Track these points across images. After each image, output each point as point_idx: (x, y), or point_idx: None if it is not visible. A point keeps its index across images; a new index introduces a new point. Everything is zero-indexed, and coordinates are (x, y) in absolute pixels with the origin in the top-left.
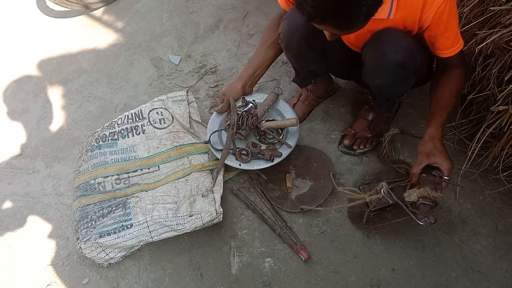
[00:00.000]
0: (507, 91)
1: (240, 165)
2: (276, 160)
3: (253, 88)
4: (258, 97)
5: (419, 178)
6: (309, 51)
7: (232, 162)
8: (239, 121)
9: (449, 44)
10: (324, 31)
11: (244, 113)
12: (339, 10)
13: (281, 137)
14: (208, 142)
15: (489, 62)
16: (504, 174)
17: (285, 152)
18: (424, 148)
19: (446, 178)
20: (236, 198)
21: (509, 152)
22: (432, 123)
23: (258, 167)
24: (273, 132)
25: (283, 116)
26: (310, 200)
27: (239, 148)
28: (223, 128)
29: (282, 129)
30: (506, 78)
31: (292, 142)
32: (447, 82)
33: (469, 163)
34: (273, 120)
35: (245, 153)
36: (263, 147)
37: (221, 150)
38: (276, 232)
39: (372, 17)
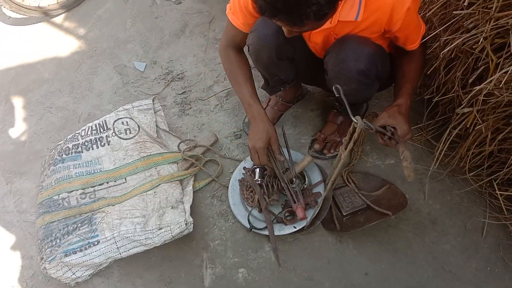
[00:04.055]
0: (472, 94)
1: (295, 227)
2: (320, 200)
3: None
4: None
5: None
6: (279, 60)
7: (285, 230)
8: (265, 190)
9: (417, 36)
10: (282, 27)
11: (262, 180)
12: (287, 7)
13: (306, 179)
14: (252, 228)
15: (453, 65)
16: (471, 174)
17: (319, 189)
18: (388, 110)
19: (397, 137)
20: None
21: (475, 152)
22: (400, 94)
23: (311, 217)
24: (298, 179)
25: (288, 160)
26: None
27: (280, 213)
28: (253, 206)
29: (301, 173)
30: (470, 81)
31: (319, 177)
32: (410, 60)
33: (437, 163)
34: (289, 169)
35: (290, 215)
36: (301, 198)
37: (265, 228)
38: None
39: (340, 20)
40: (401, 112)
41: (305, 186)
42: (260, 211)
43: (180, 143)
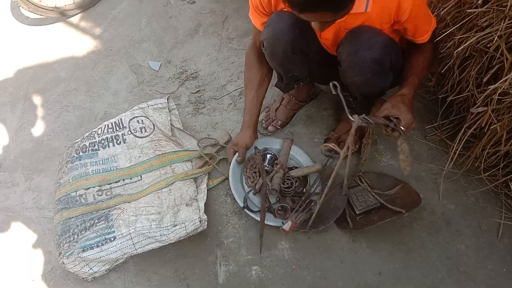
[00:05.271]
0: (486, 93)
1: (283, 223)
2: (314, 209)
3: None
4: (268, 143)
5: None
6: (294, 55)
7: (273, 221)
8: (269, 177)
9: (426, 29)
10: (313, 23)
11: (269, 167)
12: None
13: (307, 185)
14: (245, 207)
15: (467, 64)
16: (486, 174)
17: (315, 198)
18: (391, 100)
19: (401, 128)
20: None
21: (490, 152)
22: (405, 85)
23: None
24: (300, 181)
25: (297, 161)
26: (319, 219)
27: (274, 204)
28: (252, 190)
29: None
30: (484, 80)
31: (319, 186)
32: (419, 53)
33: (451, 163)
34: (298, 168)
35: (282, 209)
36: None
37: (257, 211)
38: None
39: (350, 12)
40: (404, 102)
41: (304, 190)
42: (255, 193)
43: (200, 139)
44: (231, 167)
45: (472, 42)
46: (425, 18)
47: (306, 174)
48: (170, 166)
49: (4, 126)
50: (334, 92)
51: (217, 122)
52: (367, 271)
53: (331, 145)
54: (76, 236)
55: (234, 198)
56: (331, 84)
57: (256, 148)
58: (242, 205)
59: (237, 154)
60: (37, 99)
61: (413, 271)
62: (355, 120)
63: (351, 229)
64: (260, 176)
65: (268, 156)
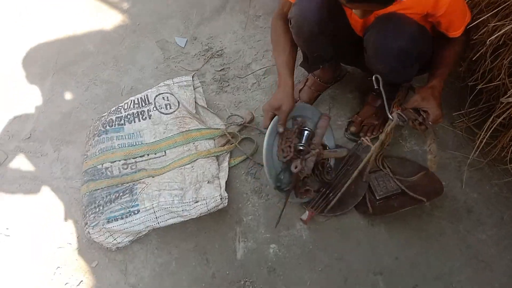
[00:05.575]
0: None
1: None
2: (333, 197)
3: None
4: (305, 110)
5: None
6: (320, 35)
7: (294, 199)
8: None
9: (460, 24)
10: (354, 10)
11: (305, 147)
12: None
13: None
14: (277, 187)
15: (500, 52)
16: None
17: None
18: (421, 92)
19: (429, 122)
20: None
21: None
22: (436, 76)
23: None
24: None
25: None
26: (337, 204)
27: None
28: (283, 167)
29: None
30: None
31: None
32: (451, 45)
33: (477, 151)
34: (329, 150)
35: (305, 191)
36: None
37: (286, 190)
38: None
39: None
40: (434, 95)
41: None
42: (286, 167)
43: (229, 116)
44: (267, 134)
45: (507, 30)
46: (461, 13)
47: (331, 157)
48: (193, 143)
49: (34, 97)
50: (376, 87)
51: (241, 101)
52: (384, 255)
53: (365, 140)
54: (101, 208)
55: (254, 177)
56: (373, 78)
57: (296, 120)
58: (273, 185)
59: (275, 119)
60: (65, 72)
61: (430, 258)
62: (394, 118)
63: (370, 214)
64: (296, 155)
65: (306, 133)
